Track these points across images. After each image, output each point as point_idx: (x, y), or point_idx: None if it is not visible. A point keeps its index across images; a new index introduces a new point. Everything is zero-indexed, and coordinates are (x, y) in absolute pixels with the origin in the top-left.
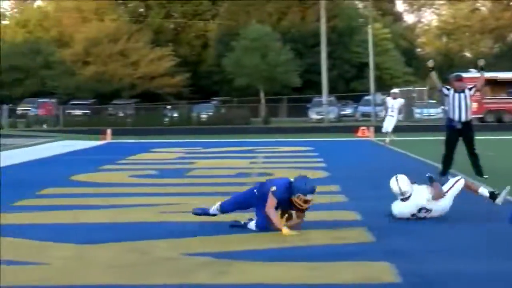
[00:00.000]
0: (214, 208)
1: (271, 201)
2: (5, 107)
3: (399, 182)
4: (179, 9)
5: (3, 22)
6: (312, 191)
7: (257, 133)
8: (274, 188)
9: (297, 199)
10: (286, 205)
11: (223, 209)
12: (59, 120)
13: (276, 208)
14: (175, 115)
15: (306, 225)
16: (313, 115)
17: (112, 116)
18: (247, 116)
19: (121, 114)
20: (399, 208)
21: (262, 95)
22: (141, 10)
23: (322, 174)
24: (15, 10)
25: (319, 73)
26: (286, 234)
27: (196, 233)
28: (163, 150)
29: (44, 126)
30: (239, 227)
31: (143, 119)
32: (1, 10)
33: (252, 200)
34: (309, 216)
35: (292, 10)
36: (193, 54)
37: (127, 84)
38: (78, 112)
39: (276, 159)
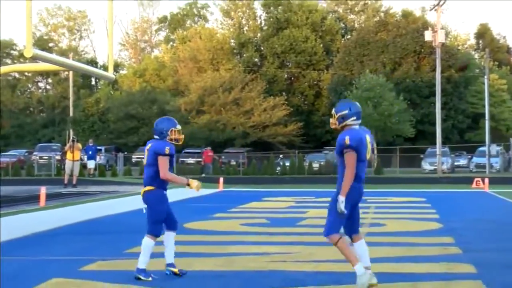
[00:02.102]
0: None
1: (163, 164)
2: (121, 155)
3: None
4: (293, 59)
5: (122, 72)
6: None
7: (369, 183)
8: (163, 151)
9: (172, 134)
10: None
11: None
12: (172, 168)
13: (172, 166)
14: (287, 164)
15: (418, 277)
16: (426, 166)
17: (225, 165)
18: None
19: (233, 163)
20: None
21: (374, 145)
22: (256, 60)
23: (435, 225)
24: (133, 60)
25: (433, 124)
26: (195, 185)
27: (307, 282)
28: (274, 199)
29: (203, 175)
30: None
31: (255, 167)
32: (120, 60)
33: None
34: (422, 268)
35: (406, 60)
36: (306, 103)
37: (240, 133)
38: (191, 160)
39: (388, 209)
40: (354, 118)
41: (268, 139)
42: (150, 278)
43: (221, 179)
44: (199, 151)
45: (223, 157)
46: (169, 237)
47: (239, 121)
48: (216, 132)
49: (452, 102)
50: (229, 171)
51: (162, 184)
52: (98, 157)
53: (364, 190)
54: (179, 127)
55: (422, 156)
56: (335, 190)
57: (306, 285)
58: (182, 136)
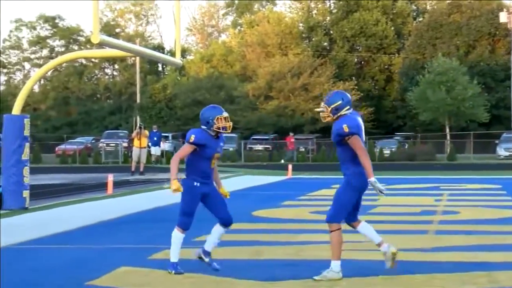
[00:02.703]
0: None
1: (182, 149)
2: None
3: None
4: (363, 43)
5: (189, 57)
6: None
7: (442, 169)
8: (188, 137)
9: (218, 122)
10: (212, 142)
11: None
12: (240, 155)
13: (207, 157)
14: None
15: (494, 266)
16: (502, 152)
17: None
18: (431, 152)
19: (302, 149)
20: None
21: (447, 130)
22: (325, 44)
23: (511, 213)
24: (200, 45)
25: (508, 108)
26: (173, 188)
27: (378, 271)
28: None
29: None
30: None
31: (324, 154)
32: (187, 45)
33: None
34: (497, 257)
35: (480, 43)
36: (376, 88)
37: (309, 119)
38: (259, 147)
39: (462, 196)
40: (348, 107)
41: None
42: (182, 271)
43: (290, 166)
44: (267, 137)
45: None
46: (216, 229)
47: (308, 107)
48: (285, 118)
49: None
50: (298, 157)
51: (192, 174)
52: (162, 144)
53: (437, 176)
54: (225, 114)
55: (497, 141)
56: (343, 177)
57: (377, 274)
58: (230, 124)
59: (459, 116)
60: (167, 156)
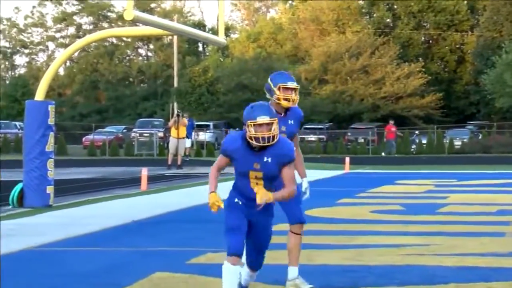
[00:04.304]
0: None
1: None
2: (232, 131)
3: None
4: (431, 19)
5: (233, 36)
6: (267, 111)
7: None
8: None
9: (249, 128)
10: (246, 156)
11: None
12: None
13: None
14: (424, 141)
15: None
16: None
17: (351, 143)
18: (509, 144)
19: (361, 140)
20: None
21: None
22: (388, 20)
23: None
24: (246, 22)
25: None
26: (211, 202)
27: (449, 279)
28: (410, 182)
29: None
30: None
31: (386, 146)
32: (231, 22)
33: None
34: None
35: None
36: (446, 70)
37: (369, 106)
38: (312, 137)
39: None
40: None
41: (402, 113)
42: None
43: (347, 159)
44: (321, 127)
45: (349, 133)
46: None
47: (368, 92)
48: (342, 105)
49: None
50: (357, 150)
51: (234, 187)
52: (194, 134)
53: None
54: (261, 119)
55: None
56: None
57: (448, 282)
58: (261, 135)
59: None
60: (208, 148)
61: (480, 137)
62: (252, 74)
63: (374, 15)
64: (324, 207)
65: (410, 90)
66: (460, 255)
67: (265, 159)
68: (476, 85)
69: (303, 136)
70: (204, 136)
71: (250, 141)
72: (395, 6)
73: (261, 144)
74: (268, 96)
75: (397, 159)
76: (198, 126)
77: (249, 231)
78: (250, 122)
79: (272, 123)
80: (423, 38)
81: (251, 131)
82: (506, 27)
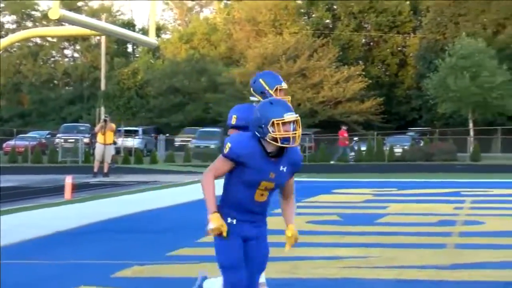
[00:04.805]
0: None
1: (213, 164)
2: (162, 137)
3: None
4: (373, 20)
5: (165, 36)
6: (289, 107)
7: (464, 171)
8: (223, 148)
9: (274, 127)
10: (262, 164)
11: None
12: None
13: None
14: (363, 148)
15: None
16: None
17: None
18: (452, 151)
19: (298, 147)
20: None
21: (471, 125)
22: (327, 21)
23: None
24: (178, 22)
25: None
26: (215, 226)
27: None
28: (348, 191)
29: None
30: None
31: (324, 153)
32: (163, 22)
33: None
34: None
35: None
36: (387, 74)
37: (306, 111)
38: None
39: (488, 203)
40: None
41: (341, 118)
42: None
43: None
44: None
45: None
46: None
47: (306, 96)
48: None
49: None
50: None
51: (225, 200)
52: (119, 139)
53: (458, 180)
54: (289, 116)
55: None
56: None
57: None
58: (292, 134)
59: (485, 108)
60: (136, 155)
61: (421, 144)
62: (185, 76)
63: (313, 15)
64: None
65: (350, 95)
66: (400, 267)
67: (281, 168)
68: (418, 89)
69: None
70: (133, 142)
71: (274, 143)
72: (335, 6)
73: (290, 146)
74: (255, 98)
75: (335, 167)
76: (127, 131)
77: (248, 248)
78: (277, 120)
79: (298, 120)
80: (363, 40)
81: (278, 131)
82: (450, 29)
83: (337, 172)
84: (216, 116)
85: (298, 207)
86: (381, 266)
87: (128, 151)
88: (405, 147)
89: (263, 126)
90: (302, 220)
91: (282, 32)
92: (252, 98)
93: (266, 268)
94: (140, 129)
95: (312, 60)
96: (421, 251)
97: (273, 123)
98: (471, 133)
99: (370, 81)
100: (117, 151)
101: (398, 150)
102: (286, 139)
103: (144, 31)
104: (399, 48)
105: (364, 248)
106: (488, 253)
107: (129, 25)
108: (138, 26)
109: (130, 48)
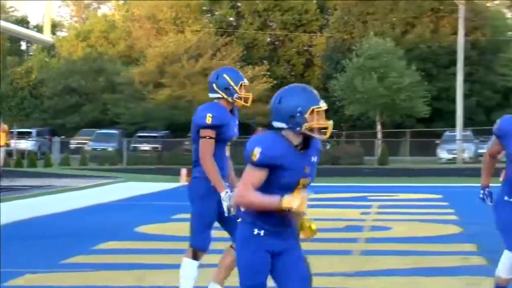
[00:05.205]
0: None
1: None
2: (57, 139)
3: None
4: (278, 19)
5: (60, 34)
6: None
7: (371, 175)
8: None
9: (312, 115)
10: (295, 160)
11: None
12: (122, 157)
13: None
14: None
15: None
16: (443, 154)
17: (188, 153)
18: (359, 154)
19: None
20: None
21: (378, 127)
22: (231, 19)
23: (453, 229)
24: (75, 19)
25: (452, 100)
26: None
27: None
28: None
29: None
30: None
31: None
32: (59, 19)
33: None
34: (437, 282)
35: (421, 21)
36: (293, 74)
37: None
38: (146, 146)
39: (395, 208)
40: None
41: (245, 120)
42: None
43: (184, 171)
44: (156, 135)
45: (186, 142)
46: None
47: (208, 97)
48: (179, 111)
49: (478, 74)
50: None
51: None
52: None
53: (365, 184)
54: (324, 104)
55: (438, 141)
56: None
57: None
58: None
59: (394, 110)
60: (29, 158)
61: (328, 147)
62: (81, 76)
63: (216, 13)
64: (158, 223)
65: (254, 96)
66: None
67: (312, 158)
68: (325, 90)
69: (136, 145)
70: (26, 145)
71: (310, 134)
72: (239, 4)
73: (325, 138)
74: (218, 95)
75: (238, 170)
76: (20, 133)
77: (277, 270)
78: (317, 108)
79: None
80: (269, 39)
81: (317, 120)
82: (357, 28)
83: (238, 176)
84: (114, 117)
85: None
86: None
87: (21, 153)
88: None
89: (297, 115)
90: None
91: (184, 30)
92: (212, 95)
93: (166, 275)
94: (34, 130)
95: (215, 59)
96: (326, 258)
97: (312, 111)
98: (379, 135)
99: (275, 81)
100: (9, 153)
101: None
102: (323, 130)
103: (39, 29)
104: (305, 48)
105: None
106: (395, 259)
107: (23, 22)
108: (33, 23)
109: (24, 46)
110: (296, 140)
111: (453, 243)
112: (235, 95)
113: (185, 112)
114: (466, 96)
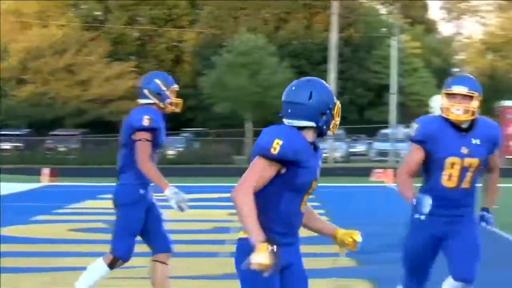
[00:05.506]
0: None
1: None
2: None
3: None
4: (147, 13)
5: None
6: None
7: (240, 175)
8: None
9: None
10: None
11: None
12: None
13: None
14: None
15: None
16: None
17: (51, 151)
18: (228, 153)
19: (63, 149)
20: None
21: (248, 126)
22: (98, 13)
23: None
24: None
25: None
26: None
27: None
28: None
29: None
30: None
31: (92, 155)
32: None
33: None
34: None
35: (294, 17)
36: (162, 70)
37: (72, 110)
38: (7, 145)
39: None
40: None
41: (111, 118)
42: None
43: (46, 170)
44: (18, 133)
45: (49, 141)
46: None
47: (73, 94)
48: (42, 108)
49: (350, 71)
50: (57, 159)
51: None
52: None
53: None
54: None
55: None
56: None
57: None
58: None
59: (265, 107)
60: None
61: (196, 146)
62: None
63: (82, 7)
64: (17, 225)
65: (121, 93)
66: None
67: (319, 160)
68: (194, 88)
69: None
70: None
71: (332, 131)
72: None
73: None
74: (149, 100)
75: (104, 170)
76: None
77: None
78: (338, 103)
79: None
80: (137, 34)
81: (337, 117)
82: (229, 24)
83: (105, 176)
84: None
85: (61, 213)
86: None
87: None
88: (179, 149)
89: (327, 112)
90: (64, 228)
91: (48, 25)
92: (143, 101)
93: (27, 278)
94: None
95: (81, 55)
96: (191, 260)
97: (337, 108)
98: (249, 134)
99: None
100: None
101: (171, 152)
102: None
103: None
104: (174, 44)
105: (135, 258)
106: None
107: None
108: None
109: None
110: (311, 138)
111: (323, 244)
112: (167, 100)
113: (48, 109)
114: (339, 94)
